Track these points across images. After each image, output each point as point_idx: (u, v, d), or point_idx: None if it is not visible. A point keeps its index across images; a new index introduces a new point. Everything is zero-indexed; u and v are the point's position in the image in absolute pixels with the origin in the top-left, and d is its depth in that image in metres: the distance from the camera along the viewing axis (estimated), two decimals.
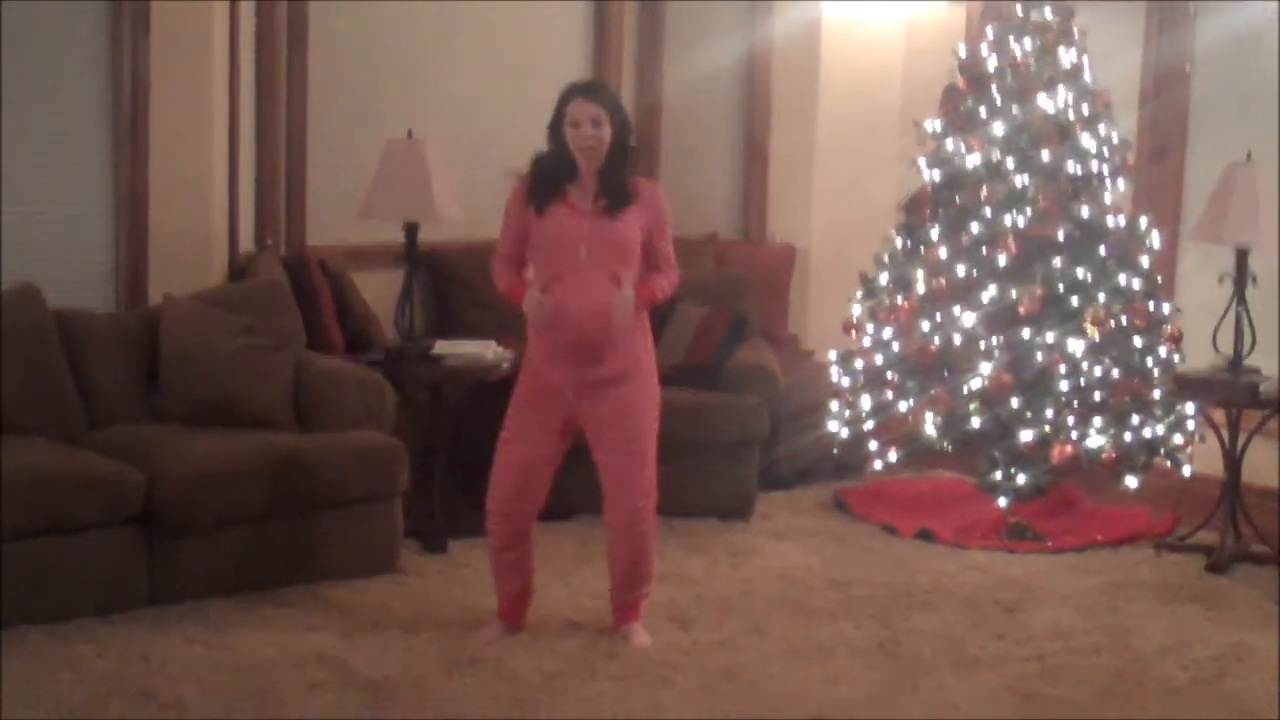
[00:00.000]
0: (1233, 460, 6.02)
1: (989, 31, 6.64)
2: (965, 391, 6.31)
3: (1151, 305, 6.37)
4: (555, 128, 4.83)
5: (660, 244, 4.92)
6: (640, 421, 4.88)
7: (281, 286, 6.11)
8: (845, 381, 6.66)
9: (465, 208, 6.21)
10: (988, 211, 6.41)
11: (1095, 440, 6.22)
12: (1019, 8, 6.54)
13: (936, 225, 6.55)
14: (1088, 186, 6.44)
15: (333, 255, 6.65)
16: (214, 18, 6.16)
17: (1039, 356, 6.25)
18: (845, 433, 6.65)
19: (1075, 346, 6.24)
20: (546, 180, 4.85)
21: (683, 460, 6.11)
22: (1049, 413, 6.24)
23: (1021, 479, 6.41)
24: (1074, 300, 6.31)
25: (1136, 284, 6.38)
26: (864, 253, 6.78)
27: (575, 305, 4.76)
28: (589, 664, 4.79)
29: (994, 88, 6.52)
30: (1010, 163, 6.44)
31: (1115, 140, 6.52)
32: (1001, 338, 6.29)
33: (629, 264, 4.83)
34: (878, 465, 6.66)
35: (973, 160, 6.48)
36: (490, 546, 5.03)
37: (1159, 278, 6.51)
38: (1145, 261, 6.44)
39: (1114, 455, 6.21)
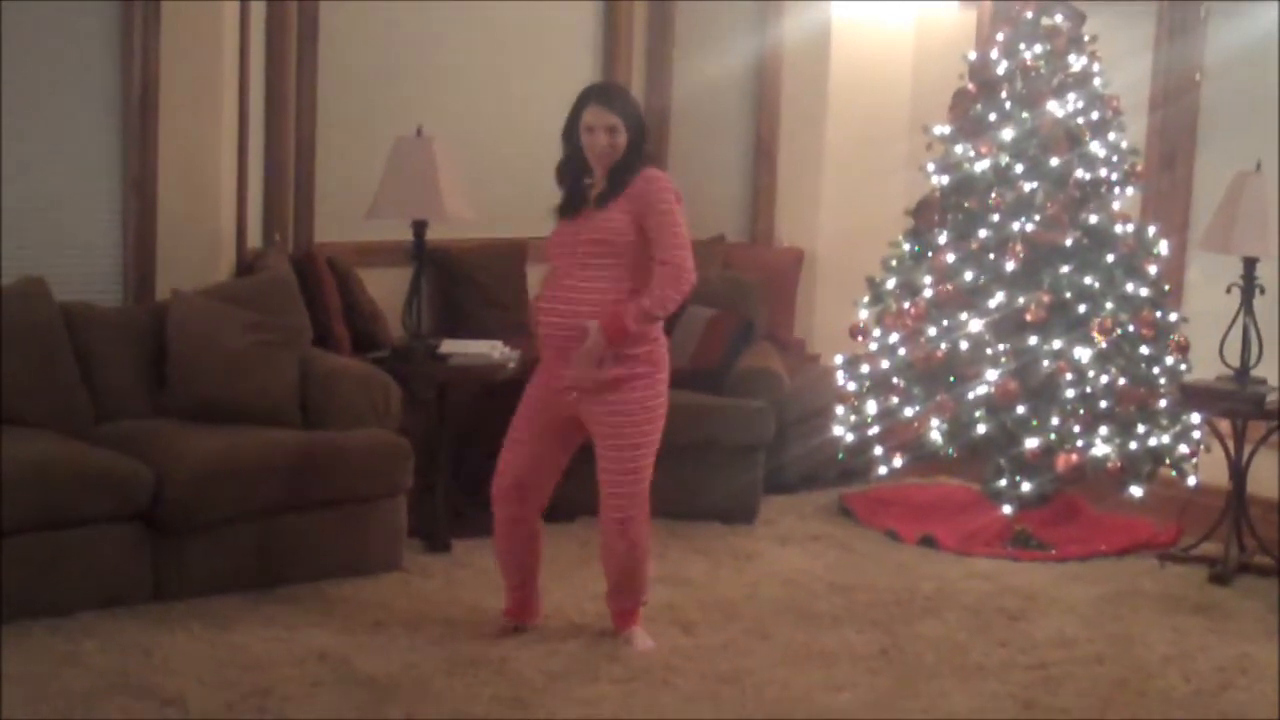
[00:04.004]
0: (1238, 471, 6.01)
1: (999, 36, 6.64)
2: (971, 398, 6.30)
3: (1159, 314, 6.35)
4: (570, 132, 4.81)
5: (656, 235, 4.70)
6: (635, 430, 4.80)
7: (289, 283, 6.11)
8: (851, 386, 6.64)
9: (474, 206, 6.21)
10: (996, 217, 6.41)
11: (1101, 449, 6.20)
12: (1029, 12, 6.54)
13: (944, 230, 6.55)
14: (1096, 193, 6.42)
15: (340, 252, 6.66)
16: (224, 14, 6.16)
17: (1045, 364, 6.24)
18: (850, 438, 6.63)
19: (1082, 354, 6.23)
20: (571, 196, 4.85)
21: (688, 463, 6.11)
22: (1055, 420, 6.22)
23: (1026, 487, 6.39)
24: (1081, 308, 6.30)
25: (1144, 292, 6.37)
26: (871, 257, 6.76)
27: (561, 309, 4.75)
28: (591, 665, 4.79)
29: (1003, 93, 6.52)
30: (1019, 168, 6.43)
31: (1124, 147, 6.51)
32: (1008, 344, 6.29)
33: (618, 258, 4.72)
34: (882, 471, 6.65)
35: (981, 165, 6.48)
36: (494, 535, 5.04)
37: (1166, 286, 6.49)
38: (1153, 270, 6.43)
39: (1119, 464, 6.21)
